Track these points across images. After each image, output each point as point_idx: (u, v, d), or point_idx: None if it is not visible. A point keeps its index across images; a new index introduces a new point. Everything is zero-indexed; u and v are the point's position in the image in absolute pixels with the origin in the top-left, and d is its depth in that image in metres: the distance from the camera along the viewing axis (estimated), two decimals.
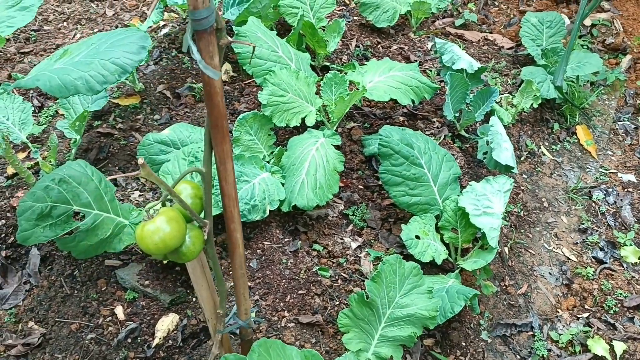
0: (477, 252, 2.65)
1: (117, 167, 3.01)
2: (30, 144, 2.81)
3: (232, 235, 1.69)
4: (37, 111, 3.42)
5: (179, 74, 3.61)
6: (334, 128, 3.07)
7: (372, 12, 3.89)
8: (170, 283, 2.50)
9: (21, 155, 3.09)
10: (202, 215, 1.66)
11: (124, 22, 4.21)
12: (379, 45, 3.91)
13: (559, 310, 2.79)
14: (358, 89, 2.93)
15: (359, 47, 3.87)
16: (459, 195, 2.66)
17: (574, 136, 3.68)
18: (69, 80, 1.89)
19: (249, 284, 2.52)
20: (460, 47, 3.95)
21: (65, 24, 4.26)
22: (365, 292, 2.09)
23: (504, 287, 2.82)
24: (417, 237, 2.56)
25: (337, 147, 2.84)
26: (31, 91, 3.50)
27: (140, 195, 2.86)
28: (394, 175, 2.60)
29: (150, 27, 4.10)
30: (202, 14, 1.23)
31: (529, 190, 3.29)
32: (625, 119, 3.92)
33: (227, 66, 3.69)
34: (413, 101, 3.02)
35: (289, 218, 2.77)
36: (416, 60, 3.80)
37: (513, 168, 2.83)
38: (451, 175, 2.72)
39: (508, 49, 4.12)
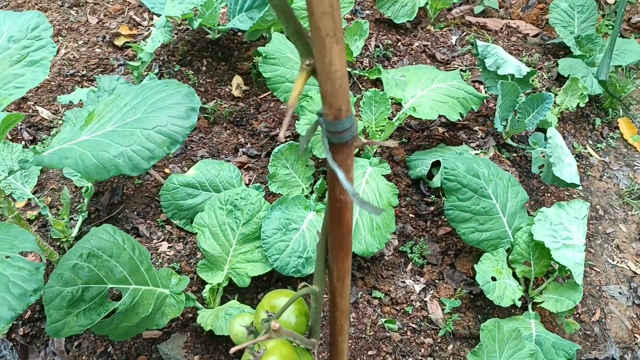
0: (554, 287, 2.40)
1: (135, 212, 2.65)
2: (37, 200, 2.43)
3: (338, 346, 1.39)
4: (27, 146, 3.02)
5: None
6: (375, 151, 2.75)
7: (390, 7, 3.54)
8: (223, 355, 2.19)
9: (20, 204, 2.71)
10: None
11: (111, 31, 3.77)
12: (399, 44, 3.57)
13: (637, 335, 2.58)
14: (401, 105, 2.61)
15: (378, 47, 3.52)
16: (529, 225, 2.39)
17: (617, 131, 3.44)
18: (107, 158, 1.53)
19: None
20: (489, 39, 3.64)
21: None
22: None
23: (577, 315, 2.59)
24: (493, 278, 2.29)
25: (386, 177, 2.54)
26: (20, 124, 3.08)
27: (169, 248, 2.52)
28: (462, 211, 2.31)
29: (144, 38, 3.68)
30: (344, 124, 0.91)
31: (583, 198, 3.04)
32: None
33: (237, 79, 3.31)
34: (461, 115, 2.72)
35: None
36: (443, 59, 3.48)
37: (578, 185, 2.57)
38: (519, 202, 2.44)
39: (533, 36, 3.83)
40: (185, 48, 3.47)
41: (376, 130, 2.64)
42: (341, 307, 1.28)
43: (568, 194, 3.00)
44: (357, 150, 2.54)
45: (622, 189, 3.17)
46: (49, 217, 2.40)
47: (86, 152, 1.57)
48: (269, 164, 2.53)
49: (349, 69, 3.32)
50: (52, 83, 3.39)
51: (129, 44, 3.69)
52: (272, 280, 2.42)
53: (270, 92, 3.27)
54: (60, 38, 3.75)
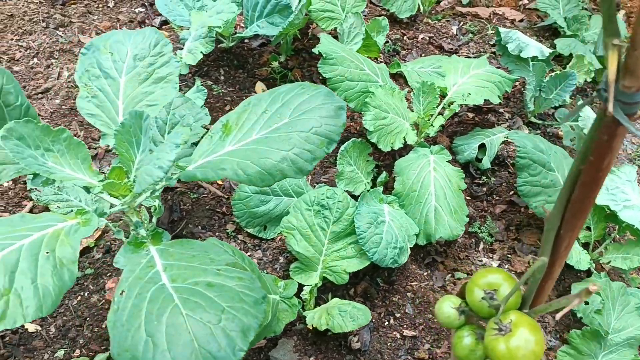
0: (615, 247, 2.58)
1: (199, 226, 2.60)
2: (110, 224, 2.34)
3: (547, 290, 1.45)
4: None
5: (214, 104, 3.19)
6: (422, 140, 2.85)
7: (394, 3, 3.65)
8: (336, 353, 2.21)
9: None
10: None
11: None
12: (404, 37, 3.69)
13: None
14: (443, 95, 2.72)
15: (387, 42, 3.62)
16: None
17: None
18: (270, 164, 1.54)
19: (410, 332, 2.29)
20: (489, 27, 3.82)
21: (36, 60, 3.62)
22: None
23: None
24: None
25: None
26: None
27: (249, 257, 2.49)
28: (533, 186, 2.45)
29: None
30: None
31: None
32: None
33: (261, 85, 3.31)
34: (499, 97, 2.86)
35: (418, 249, 2.55)
36: (450, 48, 3.63)
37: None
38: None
39: (519, 21, 4.06)
40: None
41: (427, 121, 2.73)
42: (558, 268, 1.35)
43: None
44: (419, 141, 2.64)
45: (630, 154, 3.43)
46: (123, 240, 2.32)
47: (244, 161, 1.56)
48: (337, 162, 2.56)
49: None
50: (64, 107, 3.26)
51: None
52: (359, 274, 2.45)
53: None
54: (53, 60, 3.60)
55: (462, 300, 1.45)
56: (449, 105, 2.79)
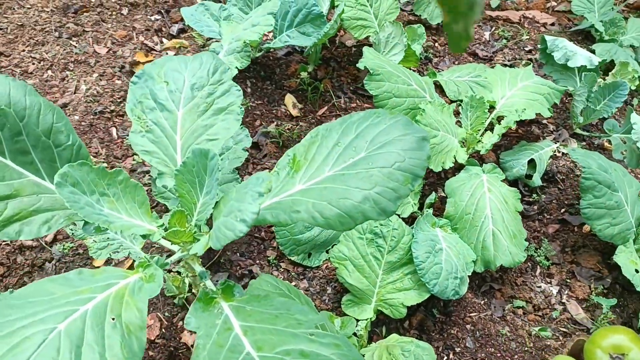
0: None
1: (238, 254, 2.44)
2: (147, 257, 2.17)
3: None
4: None
5: (243, 119, 3.02)
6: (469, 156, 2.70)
7: (425, 9, 3.49)
8: None
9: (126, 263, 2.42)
10: None
11: (126, 59, 3.47)
12: (436, 44, 3.54)
13: None
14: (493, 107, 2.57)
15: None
16: None
17: None
18: (350, 205, 1.38)
19: None
20: (524, 32, 3.67)
21: (50, 72, 3.43)
22: None
23: None
24: (637, 270, 2.30)
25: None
26: None
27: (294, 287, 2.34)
28: (597, 208, 2.30)
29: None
30: None
31: None
32: None
33: (290, 98, 3.14)
34: (549, 110, 2.71)
35: (474, 276, 2.40)
36: (485, 56, 3.48)
37: None
38: (635, 191, 2.47)
39: (551, 24, 3.91)
40: None
41: (475, 137, 2.58)
42: None
43: None
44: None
45: None
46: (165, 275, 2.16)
47: (320, 202, 1.40)
48: None
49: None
50: (83, 124, 3.08)
51: None
52: (414, 305, 2.30)
53: (327, 107, 3.14)
54: (68, 73, 3.42)
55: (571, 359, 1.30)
56: (498, 120, 2.64)
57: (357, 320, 2.12)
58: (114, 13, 3.92)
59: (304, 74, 3.21)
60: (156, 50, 3.62)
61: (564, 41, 2.89)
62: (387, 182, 1.40)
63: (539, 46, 2.98)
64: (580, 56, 2.84)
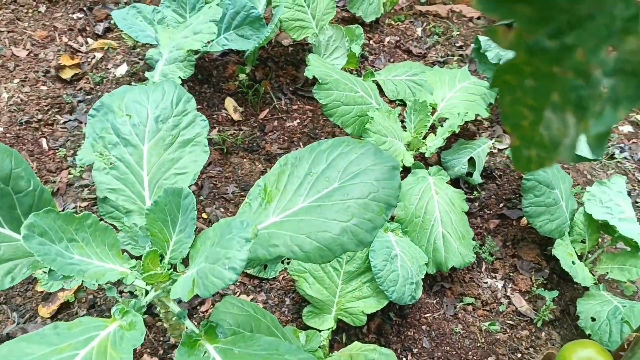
0: (609, 257, 2.63)
1: None
2: (128, 306, 2.09)
3: None
4: None
5: None
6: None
7: (359, 7, 3.51)
8: None
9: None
10: None
11: (49, 63, 3.28)
12: (371, 42, 3.58)
13: None
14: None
15: None
16: (582, 206, 2.59)
17: None
18: (329, 238, 1.41)
19: None
20: (453, 28, 3.77)
21: None
22: None
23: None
24: (573, 262, 2.46)
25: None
26: None
27: (252, 300, 2.33)
28: (538, 207, 2.44)
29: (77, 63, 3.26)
30: None
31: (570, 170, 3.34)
32: None
33: (231, 102, 3.09)
34: (487, 110, 2.83)
35: (425, 277, 2.48)
36: (419, 53, 3.55)
37: (598, 159, 2.82)
38: (568, 187, 2.63)
39: (477, 18, 4.04)
40: None
41: (420, 140, 2.65)
42: None
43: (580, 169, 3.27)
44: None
45: (620, 162, 3.52)
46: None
47: (298, 235, 1.41)
48: None
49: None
50: (9, 136, 2.90)
51: (79, 76, 3.26)
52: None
53: (268, 110, 3.11)
54: None
55: None
56: (440, 122, 2.72)
57: (320, 331, 2.15)
58: (30, 10, 3.67)
59: (242, 76, 3.16)
60: (82, 52, 3.44)
61: None
62: (364, 214, 1.42)
63: (472, 45, 3.08)
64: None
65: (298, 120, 3.06)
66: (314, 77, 3.10)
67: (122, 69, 3.24)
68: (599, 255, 2.66)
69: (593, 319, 2.39)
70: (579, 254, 2.62)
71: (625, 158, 3.52)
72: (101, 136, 1.43)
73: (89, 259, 1.33)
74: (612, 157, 3.48)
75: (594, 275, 2.52)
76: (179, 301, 1.50)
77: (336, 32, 2.91)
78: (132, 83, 3.18)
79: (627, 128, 3.75)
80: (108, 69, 3.30)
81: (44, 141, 2.93)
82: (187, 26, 2.56)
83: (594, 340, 2.33)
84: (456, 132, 2.61)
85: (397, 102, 3.13)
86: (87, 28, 3.62)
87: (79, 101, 3.15)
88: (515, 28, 0.45)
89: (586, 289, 2.59)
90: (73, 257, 1.29)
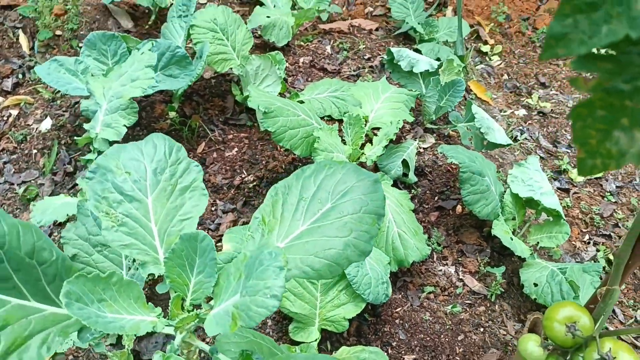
0: (536, 229, 2.97)
1: None
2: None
3: None
4: None
5: None
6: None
7: (272, 33, 3.67)
8: None
9: None
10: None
11: None
12: (287, 64, 3.74)
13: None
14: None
15: None
16: (508, 187, 2.91)
17: (472, 92, 4.18)
18: (335, 253, 1.57)
19: (411, 356, 2.44)
20: (360, 42, 4.03)
21: None
22: None
23: None
24: (511, 238, 2.76)
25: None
26: None
27: None
28: (474, 194, 2.71)
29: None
30: None
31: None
32: (479, 63, 4.57)
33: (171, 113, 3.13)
34: (411, 115, 3.09)
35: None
36: (334, 69, 3.77)
37: (511, 143, 3.17)
38: (494, 172, 2.94)
39: (375, 30, 4.34)
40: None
41: (359, 150, 2.85)
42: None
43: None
44: None
45: (527, 146, 3.91)
46: None
47: (307, 256, 1.55)
48: None
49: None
50: None
51: None
52: None
53: (205, 143, 3.19)
54: None
55: (538, 336, 1.62)
56: (373, 132, 2.94)
57: (309, 343, 2.28)
58: None
59: (172, 114, 3.21)
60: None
61: (406, 51, 3.28)
62: (360, 226, 1.58)
63: (385, 57, 3.33)
64: (422, 62, 3.25)
65: (236, 149, 3.16)
66: (242, 105, 3.23)
67: (47, 124, 3.18)
68: (528, 229, 2.99)
69: (535, 285, 2.70)
70: (512, 230, 2.94)
71: (526, 139, 3.95)
72: (104, 196, 1.48)
73: (120, 315, 1.39)
74: (515, 139, 3.89)
75: (529, 247, 2.84)
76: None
77: (264, 62, 3.05)
78: (60, 135, 3.13)
79: (522, 112, 4.19)
80: (29, 124, 3.23)
81: None
82: (121, 74, 2.59)
83: (540, 302, 2.64)
84: (393, 139, 2.84)
85: (325, 118, 3.31)
86: None
87: (5, 162, 3.06)
88: (595, 77, 0.62)
89: (523, 259, 2.90)
90: (107, 315, 1.35)
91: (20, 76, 3.52)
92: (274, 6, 3.97)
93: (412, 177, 3.05)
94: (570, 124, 3.74)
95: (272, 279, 1.27)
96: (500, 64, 4.57)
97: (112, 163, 1.52)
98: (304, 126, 2.64)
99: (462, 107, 3.68)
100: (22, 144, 3.14)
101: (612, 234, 3.34)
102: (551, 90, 4.43)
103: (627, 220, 3.41)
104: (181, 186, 1.56)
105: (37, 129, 3.19)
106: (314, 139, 2.58)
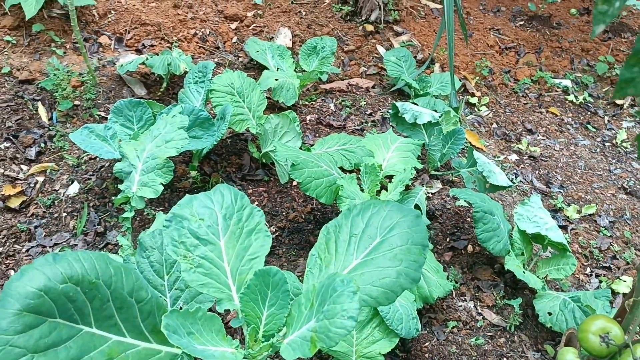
0: (544, 262, 3.17)
1: None
2: None
3: None
4: None
5: None
6: None
7: (280, 94, 3.92)
8: None
9: None
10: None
11: None
12: None
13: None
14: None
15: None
16: (515, 225, 3.12)
17: (466, 141, 4.45)
18: (389, 282, 1.76)
19: None
20: (360, 99, 4.30)
21: None
22: None
23: None
24: (524, 272, 2.95)
25: None
26: None
27: None
28: (488, 232, 2.91)
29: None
30: None
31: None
32: (469, 113, 4.87)
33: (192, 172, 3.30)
34: (419, 162, 3.32)
35: None
36: (339, 125, 4.02)
37: (512, 185, 3.41)
38: (501, 211, 3.16)
39: (372, 87, 4.63)
40: (112, 184, 3.29)
41: (376, 196, 3.06)
42: None
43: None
44: None
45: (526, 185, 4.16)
46: None
47: (365, 286, 1.72)
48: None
49: None
50: None
51: (26, 202, 3.30)
52: None
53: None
54: None
55: (575, 349, 1.78)
56: (387, 179, 3.15)
57: None
58: None
59: (194, 173, 3.40)
60: (21, 179, 3.48)
61: (409, 105, 3.54)
62: (409, 257, 1.76)
63: (388, 111, 3.59)
64: (424, 114, 3.51)
65: (257, 203, 3.34)
66: (258, 162, 3.43)
67: (74, 188, 3.33)
68: (536, 263, 3.19)
69: (550, 314, 2.87)
70: (522, 264, 3.14)
71: (520, 181, 4.20)
72: (181, 241, 1.64)
73: (206, 347, 1.53)
74: (511, 182, 4.13)
75: (544, 282, 3.03)
76: None
77: (282, 120, 3.28)
78: (89, 198, 3.29)
79: (513, 157, 4.46)
80: (55, 189, 3.38)
81: (11, 273, 2.93)
82: (154, 136, 2.78)
83: (555, 329, 2.81)
84: (409, 185, 3.05)
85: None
86: (18, 155, 3.65)
87: (36, 227, 3.19)
88: None
89: (535, 292, 3.09)
90: (196, 347, 1.49)
91: (42, 145, 3.69)
92: (277, 69, 4.25)
93: (425, 220, 3.24)
94: (560, 166, 3.98)
95: (348, 302, 1.44)
96: (489, 113, 4.87)
97: (187, 211, 1.69)
98: (327, 176, 2.85)
99: (460, 154, 3.93)
100: (51, 208, 3.28)
101: (611, 265, 3.55)
102: (538, 135, 4.73)
103: (624, 252, 3.63)
104: (247, 229, 1.74)
105: (64, 193, 3.34)
106: (336, 187, 2.78)
